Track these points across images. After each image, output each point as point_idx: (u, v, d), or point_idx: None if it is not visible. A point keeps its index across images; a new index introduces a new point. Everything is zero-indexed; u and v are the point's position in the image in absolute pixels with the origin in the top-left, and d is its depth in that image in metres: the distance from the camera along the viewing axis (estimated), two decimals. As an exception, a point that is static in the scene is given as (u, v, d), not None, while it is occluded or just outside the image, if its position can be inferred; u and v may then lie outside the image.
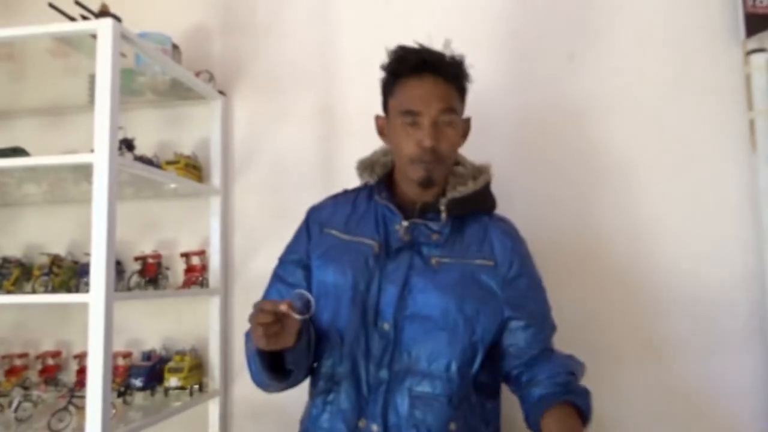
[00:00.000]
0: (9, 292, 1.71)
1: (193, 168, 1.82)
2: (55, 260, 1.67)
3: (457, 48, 1.27)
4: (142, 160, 1.62)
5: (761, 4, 1.67)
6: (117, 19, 1.43)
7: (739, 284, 1.65)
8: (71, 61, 1.69)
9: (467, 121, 1.32)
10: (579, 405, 1.15)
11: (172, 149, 1.87)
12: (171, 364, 1.74)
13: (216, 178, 1.87)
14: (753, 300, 1.64)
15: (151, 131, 1.93)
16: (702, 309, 1.66)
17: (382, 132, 1.33)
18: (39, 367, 1.85)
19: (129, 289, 1.70)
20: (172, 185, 1.77)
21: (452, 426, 1.17)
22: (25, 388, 1.72)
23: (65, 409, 1.42)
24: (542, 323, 1.27)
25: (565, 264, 1.71)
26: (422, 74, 1.21)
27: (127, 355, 1.80)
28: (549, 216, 1.73)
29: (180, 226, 1.92)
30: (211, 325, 1.83)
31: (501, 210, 1.35)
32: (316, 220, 1.33)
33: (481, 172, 1.31)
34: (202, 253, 1.83)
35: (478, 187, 1.28)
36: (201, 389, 1.78)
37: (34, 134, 1.99)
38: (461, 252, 1.24)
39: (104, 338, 1.29)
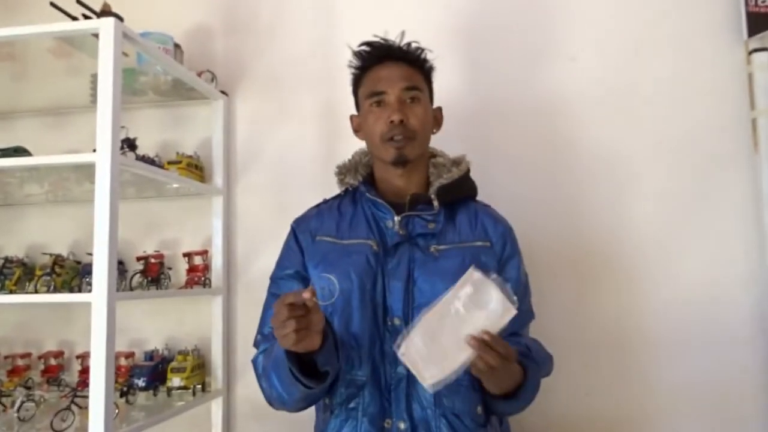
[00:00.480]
0: (11, 291, 1.71)
1: (196, 168, 1.82)
2: (57, 260, 1.67)
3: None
4: (144, 159, 1.63)
5: (763, 3, 1.67)
6: (119, 18, 1.43)
7: (740, 284, 1.65)
8: (73, 61, 1.69)
9: (439, 110, 1.38)
10: (523, 364, 1.16)
11: (174, 149, 1.87)
12: (174, 364, 1.74)
13: (218, 178, 1.87)
14: (755, 300, 1.64)
15: (153, 131, 1.93)
16: (703, 308, 1.66)
17: (357, 130, 1.37)
18: (41, 367, 1.85)
19: (131, 289, 1.70)
20: (175, 185, 1.77)
21: (479, 410, 1.19)
22: (28, 388, 1.73)
23: (68, 408, 1.42)
24: (521, 308, 1.23)
25: (564, 262, 1.72)
26: (385, 61, 1.29)
27: (129, 355, 1.80)
28: (541, 217, 1.74)
29: (182, 226, 1.92)
30: (213, 325, 1.83)
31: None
32: (304, 230, 1.32)
33: (460, 160, 1.35)
34: (204, 253, 1.83)
35: (462, 172, 1.32)
36: (204, 389, 1.78)
37: (36, 134, 1.99)
38: (457, 237, 1.26)
39: (106, 338, 1.29)
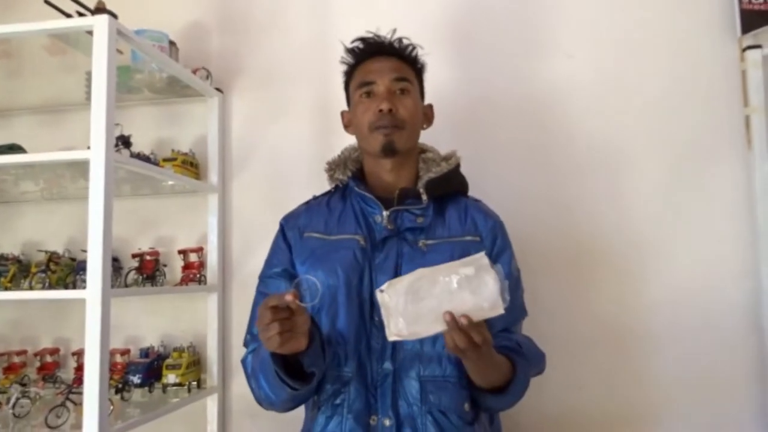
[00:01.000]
0: (6, 288, 1.71)
1: (191, 165, 1.82)
2: (53, 257, 1.67)
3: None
4: (139, 157, 1.62)
5: (757, 0, 1.67)
6: (113, 15, 1.43)
7: (733, 280, 1.66)
8: (68, 59, 1.69)
9: (429, 107, 1.39)
10: (512, 359, 1.16)
11: (169, 146, 1.88)
12: (169, 361, 1.75)
13: (213, 176, 1.88)
14: (748, 297, 1.65)
15: (148, 129, 1.93)
16: (696, 304, 1.66)
17: (347, 125, 1.38)
18: (37, 364, 1.85)
19: (126, 285, 1.70)
20: (170, 182, 1.78)
21: (466, 406, 1.18)
22: (23, 385, 1.73)
23: (63, 405, 1.42)
24: (513, 303, 1.24)
25: (557, 258, 1.73)
26: (376, 56, 1.31)
27: (125, 353, 1.80)
28: (535, 213, 1.74)
29: (177, 224, 1.92)
30: (209, 322, 1.83)
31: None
32: (292, 227, 1.32)
33: (450, 155, 1.35)
34: (199, 250, 1.83)
35: (451, 167, 1.32)
36: (199, 386, 1.79)
37: (31, 132, 1.99)
38: (446, 232, 1.26)
39: (101, 334, 1.29)
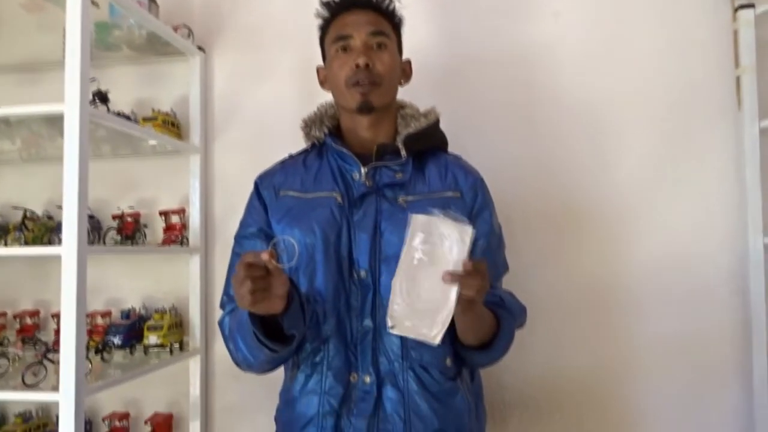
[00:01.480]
0: (-16, 249, 1.68)
1: (172, 125, 1.78)
2: (29, 215, 1.63)
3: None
4: (118, 115, 1.59)
5: (750, -43, 1.64)
6: (89, -35, 1.38)
7: (720, 242, 1.65)
8: (46, 16, 1.65)
9: (408, 63, 1.35)
10: (498, 314, 1.17)
11: (149, 106, 1.84)
12: (150, 323, 1.73)
13: (195, 136, 1.84)
14: (733, 257, 1.65)
15: (128, 88, 1.88)
16: (682, 265, 1.66)
17: (323, 82, 1.34)
18: (17, 326, 1.83)
19: (104, 244, 1.67)
20: (151, 142, 1.74)
21: (448, 361, 1.18)
22: (1, 345, 1.71)
23: (40, 363, 1.40)
24: (494, 259, 1.27)
25: (541, 217, 1.71)
26: (351, 9, 1.26)
27: (105, 314, 1.79)
28: (519, 172, 1.72)
29: (159, 185, 1.89)
30: (191, 284, 1.81)
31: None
32: (268, 186, 1.29)
33: (429, 111, 1.33)
34: (181, 212, 1.80)
35: (431, 122, 1.29)
36: (181, 348, 1.77)
37: (9, 91, 1.95)
38: (426, 188, 1.24)
39: (77, 290, 1.27)
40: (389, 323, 1.00)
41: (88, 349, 1.53)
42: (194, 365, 1.79)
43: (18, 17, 1.72)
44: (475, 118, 1.74)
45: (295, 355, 1.21)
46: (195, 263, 1.81)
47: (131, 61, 1.90)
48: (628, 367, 1.67)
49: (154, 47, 1.80)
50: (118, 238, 1.70)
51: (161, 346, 1.70)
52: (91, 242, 1.46)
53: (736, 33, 1.64)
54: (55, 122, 1.47)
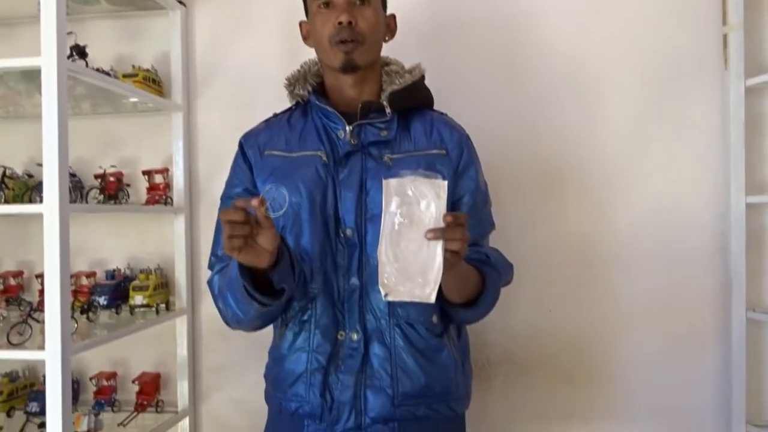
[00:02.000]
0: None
1: (153, 82, 1.74)
2: (8, 173, 1.60)
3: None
4: (97, 71, 1.54)
5: None
6: None
7: (704, 200, 1.67)
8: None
9: (392, 18, 1.33)
10: (482, 271, 1.17)
11: (129, 63, 1.78)
12: (136, 283, 1.72)
13: (177, 94, 1.80)
14: (717, 218, 1.67)
15: (106, 44, 1.82)
16: (667, 225, 1.68)
17: (306, 37, 1.30)
18: (0, 287, 1.81)
19: (87, 203, 1.65)
20: (132, 99, 1.70)
21: (434, 319, 1.19)
22: (-15, 306, 1.70)
23: (25, 322, 1.40)
24: (480, 217, 1.28)
25: (528, 178, 1.71)
26: None
27: (90, 275, 1.76)
28: (505, 132, 1.71)
29: (141, 144, 1.86)
30: (176, 245, 1.80)
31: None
32: (252, 145, 1.28)
33: (414, 67, 1.31)
34: (165, 171, 1.78)
35: (415, 78, 1.28)
36: (168, 308, 1.77)
37: (-20, 46, 1.89)
38: (412, 146, 1.23)
39: (60, 248, 1.25)
40: (383, 292, 0.99)
41: (73, 309, 1.52)
42: (181, 325, 1.79)
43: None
44: (460, 77, 1.73)
45: (284, 314, 1.21)
46: (180, 223, 1.79)
47: (109, 15, 1.84)
48: (611, 325, 1.70)
49: (134, 1, 1.75)
50: (101, 197, 1.68)
51: (147, 306, 1.70)
52: (73, 201, 1.44)
53: (724, -10, 1.63)
54: (32, 78, 1.42)
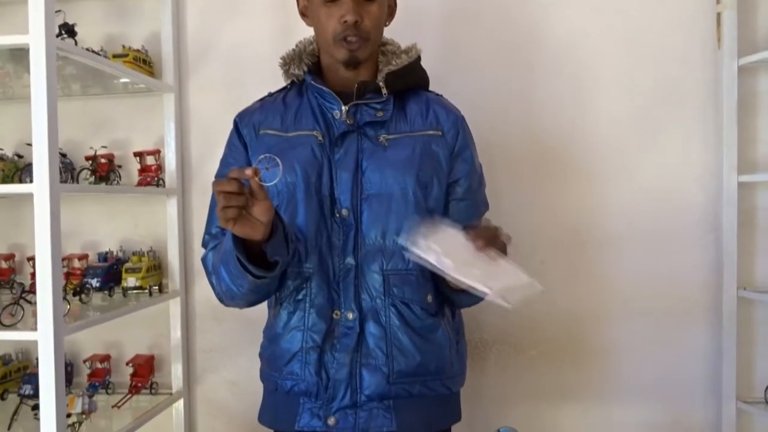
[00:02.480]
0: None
1: (144, 62, 1.72)
2: (-5, 154, 1.59)
3: None
4: (87, 51, 1.52)
5: None
6: None
7: (697, 179, 1.68)
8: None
9: (394, 1, 1.30)
10: None
11: (119, 43, 1.76)
12: (128, 265, 1.71)
13: (169, 74, 1.78)
14: (709, 197, 1.67)
15: (96, 24, 1.81)
16: (659, 206, 1.68)
17: (303, 13, 1.27)
18: (-8, 270, 1.80)
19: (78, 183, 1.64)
20: (123, 80, 1.69)
21: (429, 298, 1.20)
22: (-24, 289, 1.69)
23: (17, 303, 1.39)
24: (476, 198, 1.29)
25: (527, 163, 1.71)
26: None
27: (82, 257, 1.76)
28: (499, 113, 1.71)
29: (132, 126, 1.84)
30: (169, 227, 1.79)
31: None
32: (247, 124, 1.27)
33: (410, 48, 1.30)
34: (156, 153, 1.76)
35: (412, 59, 1.27)
36: (161, 290, 1.77)
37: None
38: (408, 126, 1.23)
39: (51, 228, 1.24)
40: (505, 304, 0.99)
41: (65, 291, 1.52)
42: (174, 307, 1.79)
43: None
44: (454, 58, 1.71)
45: (277, 293, 1.22)
46: (172, 205, 1.78)
47: (98, -6, 1.82)
48: (604, 304, 1.71)
49: (122, -20, 1.73)
50: (92, 179, 1.66)
51: (140, 288, 1.69)
52: (63, 181, 1.43)
53: (718, -32, 1.62)
54: (21, 58, 1.40)
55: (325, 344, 1.17)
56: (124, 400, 1.69)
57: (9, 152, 1.71)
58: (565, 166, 1.71)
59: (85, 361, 1.77)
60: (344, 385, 1.16)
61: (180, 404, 1.79)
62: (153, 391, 1.77)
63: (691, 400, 1.69)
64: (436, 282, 1.20)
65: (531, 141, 1.71)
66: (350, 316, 1.17)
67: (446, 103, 1.31)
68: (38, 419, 1.27)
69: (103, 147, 1.72)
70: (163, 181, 1.77)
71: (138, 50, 1.71)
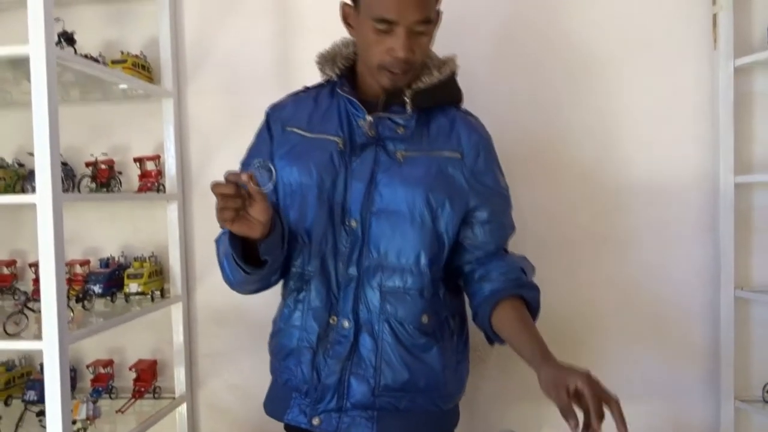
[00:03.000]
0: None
1: (142, 68, 1.72)
2: (-2, 163, 1.59)
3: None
4: (86, 58, 1.53)
5: None
6: None
7: (693, 180, 1.69)
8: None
9: (438, 14, 1.25)
10: (528, 299, 1.21)
11: (118, 49, 1.77)
12: (130, 271, 1.72)
13: (168, 80, 1.78)
14: (705, 196, 1.68)
15: (94, 30, 1.80)
16: (655, 206, 1.69)
17: (347, 22, 1.22)
18: (-7, 276, 1.81)
19: (80, 192, 1.64)
20: (122, 86, 1.69)
21: (424, 319, 1.20)
22: (-21, 296, 1.69)
23: (21, 312, 1.39)
24: (501, 221, 1.28)
25: (527, 161, 1.71)
26: None
27: (84, 263, 1.76)
28: (511, 111, 1.71)
29: (132, 131, 1.84)
30: (170, 232, 1.80)
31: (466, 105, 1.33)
32: (277, 118, 1.28)
33: (445, 62, 1.26)
34: (156, 158, 1.77)
35: (443, 76, 1.23)
36: (163, 295, 1.77)
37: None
38: (427, 145, 1.22)
39: (54, 238, 1.24)
40: None
41: (68, 298, 1.52)
42: (176, 312, 1.80)
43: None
44: (469, 63, 1.71)
45: (284, 288, 1.26)
46: (173, 210, 1.78)
47: (97, 0, 1.81)
48: (601, 304, 1.72)
49: (120, -15, 1.73)
50: (93, 185, 1.67)
51: (142, 293, 1.70)
52: (65, 190, 1.44)
53: (714, -30, 1.63)
54: (19, 65, 1.41)
55: (319, 347, 1.19)
56: (127, 405, 1.70)
57: (8, 158, 1.72)
58: (559, 165, 1.71)
59: (88, 367, 1.78)
60: (332, 390, 1.18)
61: (183, 408, 1.80)
62: (156, 395, 1.79)
63: (690, 400, 1.70)
64: (442, 303, 1.23)
65: (525, 136, 1.70)
66: (346, 324, 1.18)
67: (472, 123, 1.28)
68: (44, 426, 1.29)
69: (103, 154, 1.72)
70: (164, 187, 1.78)
71: (137, 56, 1.71)
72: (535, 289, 1.23)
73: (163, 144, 1.80)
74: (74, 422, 1.49)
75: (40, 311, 1.26)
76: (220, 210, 0.99)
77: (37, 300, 1.30)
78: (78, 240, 1.85)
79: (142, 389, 1.76)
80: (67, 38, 1.46)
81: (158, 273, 1.78)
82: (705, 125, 1.67)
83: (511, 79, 1.72)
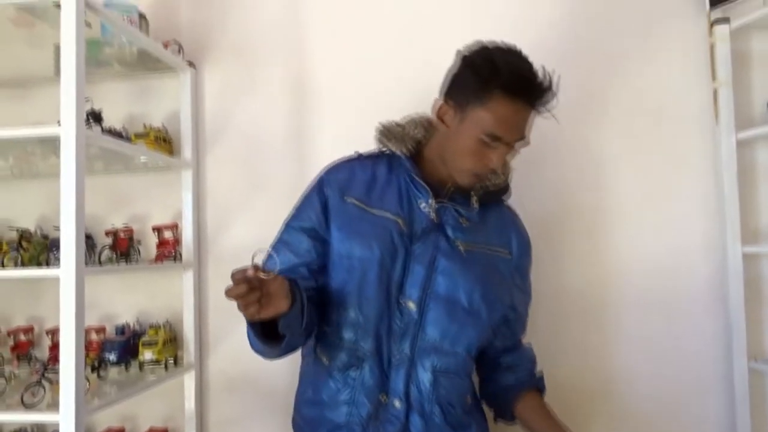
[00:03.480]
0: (-23, 268, 1.67)
1: (163, 141, 1.80)
2: (24, 235, 1.63)
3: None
4: (111, 132, 1.60)
5: (726, -25, 1.69)
6: (81, -13, 1.39)
7: (700, 252, 1.70)
8: (36, 31, 1.65)
9: None
10: (542, 390, 1.38)
11: (141, 122, 1.85)
12: (145, 338, 1.74)
13: (187, 151, 1.85)
14: (713, 268, 1.69)
15: (119, 104, 1.89)
16: (664, 276, 1.70)
17: (440, 118, 1.23)
18: (11, 343, 1.82)
19: (100, 263, 1.68)
20: (143, 158, 1.75)
21: (468, 399, 1.27)
22: (-3, 363, 1.71)
23: (38, 383, 1.41)
24: (524, 314, 1.38)
25: (537, 239, 1.73)
26: (518, 99, 1.15)
27: (100, 330, 1.79)
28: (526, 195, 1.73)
29: (151, 201, 1.90)
30: (185, 300, 1.83)
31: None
32: (333, 184, 1.26)
33: (509, 166, 1.35)
34: (174, 227, 1.82)
35: (508, 180, 1.33)
36: (176, 363, 1.79)
37: (-2, 106, 1.94)
38: (485, 239, 1.27)
39: (76, 313, 1.28)
40: None
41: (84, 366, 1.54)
42: (189, 380, 1.80)
43: (7, 32, 1.71)
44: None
45: (327, 360, 1.24)
46: (188, 278, 1.82)
47: (122, 77, 1.90)
48: (610, 376, 1.71)
49: (145, 63, 1.81)
50: (112, 255, 1.71)
51: (156, 362, 1.71)
52: (86, 263, 1.48)
53: (712, 47, 1.69)
54: (48, 141, 1.47)
55: (369, 424, 1.20)
56: (138, 475, 1.69)
57: (31, 226, 1.77)
58: (569, 236, 1.74)
59: (100, 435, 1.78)
60: None
61: (194, 477, 1.79)
62: (167, 464, 1.78)
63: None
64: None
65: (537, 206, 1.71)
66: (397, 404, 1.20)
67: (520, 225, 1.37)
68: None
69: (123, 224, 1.77)
70: (180, 255, 1.82)
71: (158, 129, 1.79)
72: (542, 379, 1.40)
73: (181, 212, 1.85)
74: (86, 494, 1.48)
75: (55, 381, 1.29)
76: (244, 308, 0.98)
77: (54, 369, 1.32)
78: (95, 306, 1.87)
79: (153, 458, 1.75)
80: (95, 117, 1.53)
81: (172, 340, 1.80)
82: (711, 196, 1.70)
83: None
